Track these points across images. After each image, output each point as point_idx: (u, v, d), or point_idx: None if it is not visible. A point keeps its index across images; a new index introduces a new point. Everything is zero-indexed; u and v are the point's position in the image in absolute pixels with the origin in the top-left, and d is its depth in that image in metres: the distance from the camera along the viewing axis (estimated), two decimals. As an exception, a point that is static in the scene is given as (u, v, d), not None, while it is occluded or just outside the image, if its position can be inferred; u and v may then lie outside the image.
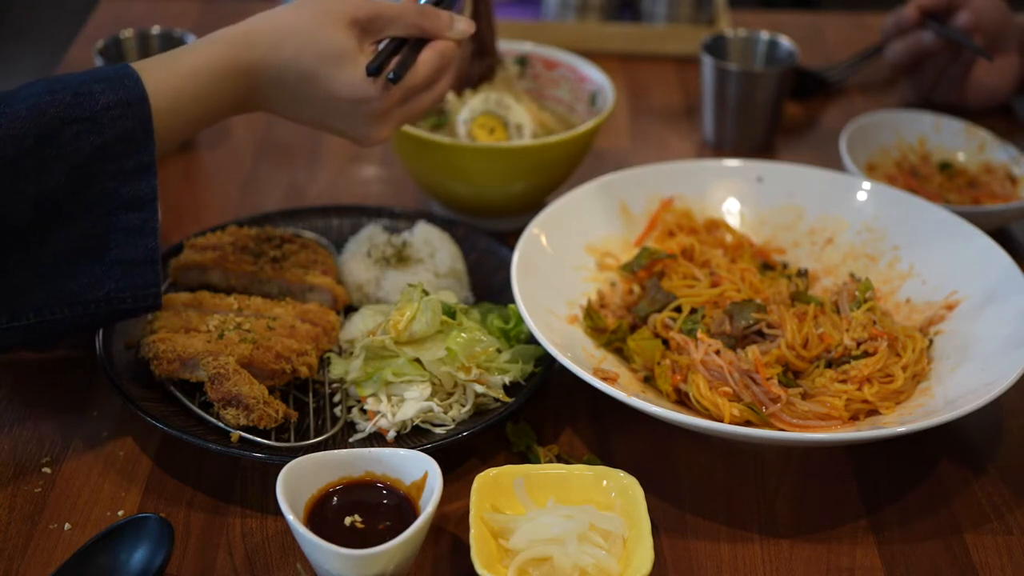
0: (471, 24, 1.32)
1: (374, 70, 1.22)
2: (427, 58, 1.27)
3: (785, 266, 1.43)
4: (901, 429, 1.12)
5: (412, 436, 1.20)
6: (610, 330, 1.30)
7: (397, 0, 1.27)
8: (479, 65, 1.61)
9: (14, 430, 1.24)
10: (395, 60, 1.25)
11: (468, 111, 1.56)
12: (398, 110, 1.28)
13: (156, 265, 1.16)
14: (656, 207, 1.47)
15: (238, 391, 1.16)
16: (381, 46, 1.26)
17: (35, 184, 1.09)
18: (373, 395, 1.22)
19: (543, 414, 1.27)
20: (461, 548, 1.10)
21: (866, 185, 1.47)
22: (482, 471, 1.10)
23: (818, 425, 1.19)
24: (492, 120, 1.55)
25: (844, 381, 1.21)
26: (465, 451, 1.22)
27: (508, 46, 1.67)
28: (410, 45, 1.27)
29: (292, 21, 1.21)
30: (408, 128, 1.46)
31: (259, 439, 1.17)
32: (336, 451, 1.10)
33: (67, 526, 1.13)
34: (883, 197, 1.45)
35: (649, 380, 1.26)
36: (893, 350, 1.24)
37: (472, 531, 1.04)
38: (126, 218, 1.14)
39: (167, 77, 1.15)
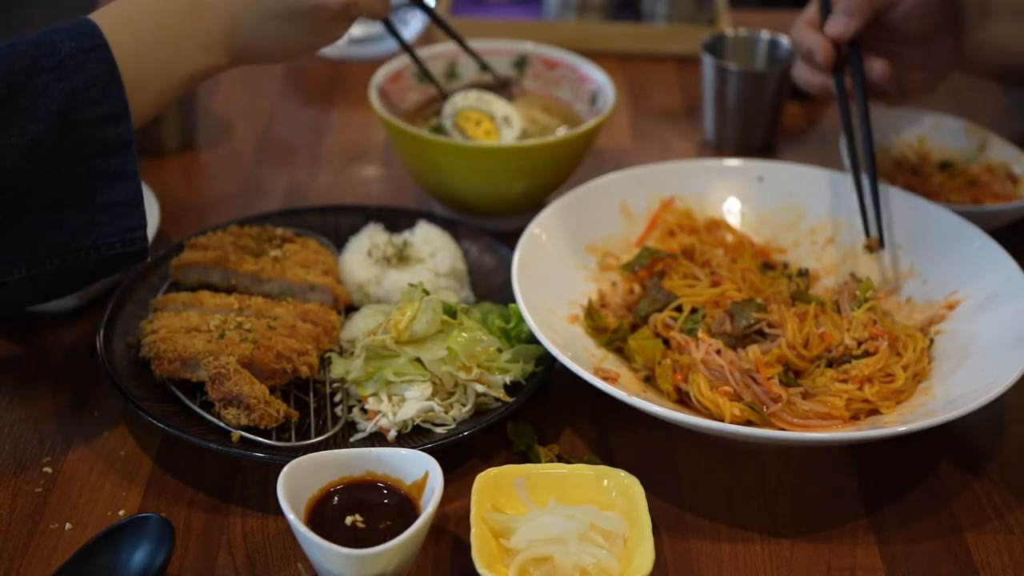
0: None
1: None
2: None
3: (786, 266, 1.43)
4: (902, 429, 1.12)
5: (413, 436, 1.20)
6: (611, 330, 1.30)
7: None
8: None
9: (15, 430, 1.24)
10: None
11: (451, 107, 1.56)
12: (356, 4, 1.27)
13: (140, 207, 1.16)
14: (657, 207, 1.47)
15: (239, 391, 1.16)
16: None
17: (16, 135, 1.10)
18: (374, 395, 1.22)
19: (544, 414, 1.27)
20: (462, 548, 1.10)
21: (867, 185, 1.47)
22: (483, 471, 1.10)
23: (819, 425, 1.19)
24: (477, 113, 1.56)
25: (845, 381, 1.21)
26: (466, 451, 1.22)
27: (508, 46, 1.67)
28: None
29: None
30: (408, 128, 1.47)
31: (260, 439, 1.17)
32: (337, 451, 1.10)
33: (68, 526, 1.13)
34: (883, 197, 1.45)
35: (650, 380, 1.26)
36: (894, 350, 1.24)
37: (473, 531, 1.04)
38: (106, 163, 1.15)
39: (124, 22, 1.17)
